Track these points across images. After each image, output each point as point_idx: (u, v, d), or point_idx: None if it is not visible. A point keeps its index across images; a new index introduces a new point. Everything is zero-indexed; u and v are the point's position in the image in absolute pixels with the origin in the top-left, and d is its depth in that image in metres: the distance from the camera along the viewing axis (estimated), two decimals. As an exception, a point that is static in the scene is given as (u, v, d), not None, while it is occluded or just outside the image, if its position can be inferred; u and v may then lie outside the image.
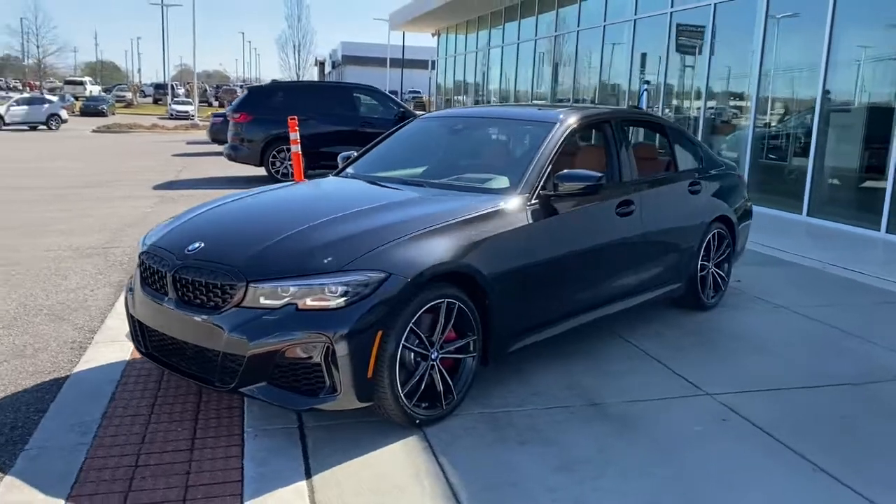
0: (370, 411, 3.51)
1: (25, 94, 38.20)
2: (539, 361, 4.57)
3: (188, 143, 26.04)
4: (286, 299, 3.29)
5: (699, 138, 13.00)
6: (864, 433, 3.76)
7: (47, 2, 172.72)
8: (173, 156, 20.41)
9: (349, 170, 5.14)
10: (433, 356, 3.62)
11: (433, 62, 34.07)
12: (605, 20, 16.89)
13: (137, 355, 4.40)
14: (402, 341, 3.42)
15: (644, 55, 15.32)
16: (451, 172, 4.73)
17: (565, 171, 4.32)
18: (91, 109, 46.35)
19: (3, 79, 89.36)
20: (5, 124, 31.96)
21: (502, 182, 4.35)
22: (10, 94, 39.91)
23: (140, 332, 3.88)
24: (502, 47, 24.23)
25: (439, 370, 3.66)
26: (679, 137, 5.80)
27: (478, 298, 3.79)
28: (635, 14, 15.39)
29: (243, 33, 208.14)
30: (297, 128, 9.39)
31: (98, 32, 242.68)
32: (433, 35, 32.84)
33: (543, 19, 20.64)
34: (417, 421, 3.58)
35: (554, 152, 4.45)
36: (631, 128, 6.16)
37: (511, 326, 4.02)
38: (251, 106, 13.55)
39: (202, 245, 3.62)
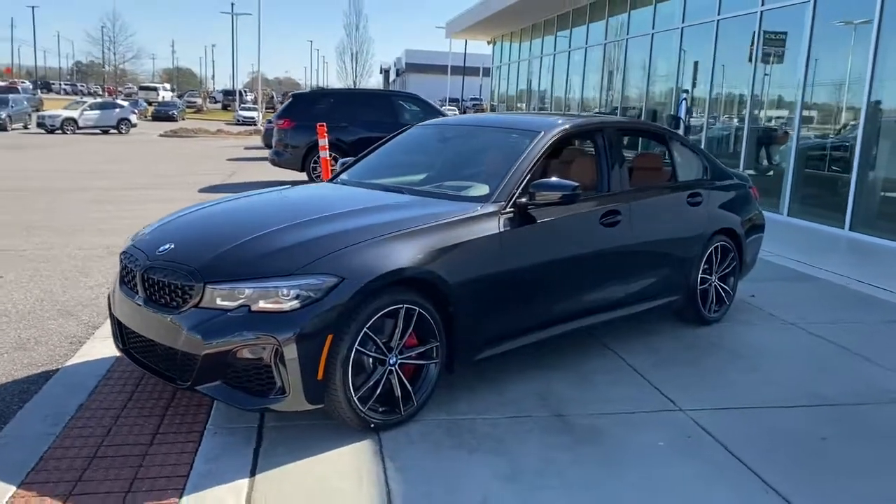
0: (329, 413, 3.56)
1: (98, 100, 39.85)
2: (519, 370, 4.56)
3: (246, 148, 26.72)
4: (241, 301, 3.38)
5: (743, 148, 12.69)
6: (839, 456, 3.62)
7: (126, 11, 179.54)
8: (228, 160, 20.99)
9: (344, 175, 5.23)
10: (391, 361, 3.66)
11: (486, 69, 34.11)
12: (653, 28, 16.64)
13: (126, 352, 4.56)
14: (356, 345, 3.47)
15: (696, 63, 15.02)
16: (439, 179, 4.77)
17: (540, 180, 4.30)
18: (162, 114, 47.98)
19: (85, 84, 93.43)
20: (79, 128, 33.35)
21: (481, 190, 4.36)
22: (84, 99, 41.72)
23: (119, 329, 4.02)
24: (554, 55, 24.11)
25: (398, 375, 3.69)
26: (680, 148, 5.69)
27: (441, 305, 3.81)
28: (683, 22, 15.12)
29: (311, 41, 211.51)
30: (325, 134, 9.57)
31: (176, 41, 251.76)
32: (488, 43, 32.91)
33: (594, 28, 20.46)
34: (372, 425, 3.61)
35: (534, 162, 4.44)
36: (628, 137, 6.08)
37: (478, 334, 4.02)
38: (294, 113, 13.84)
39: (172, 246, 3.75)
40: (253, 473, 3.25)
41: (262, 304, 3.35)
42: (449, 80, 60.12)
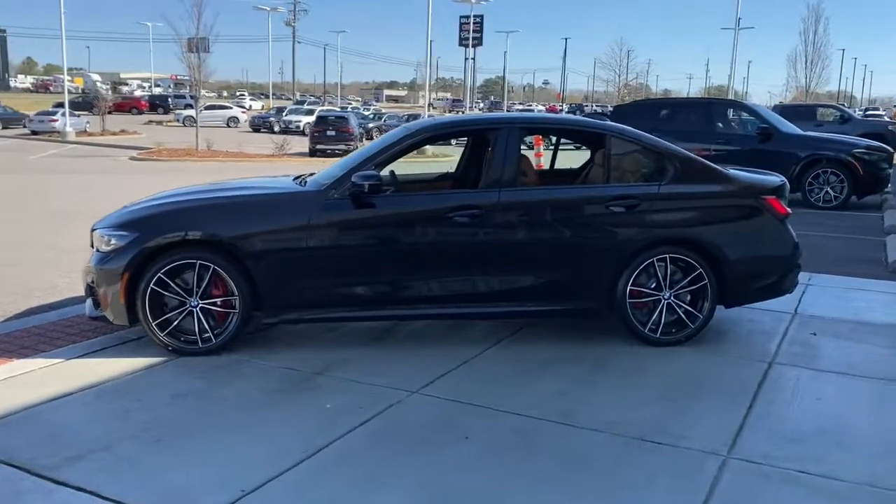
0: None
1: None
2: (377, 345, 5.15)
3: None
4: (98, 242, 4.96)
5: None
6: (437, 453, 3.59)
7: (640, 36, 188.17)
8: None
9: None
10: (192, 303, 4.81)
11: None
12: None
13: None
14: (152, 285, 4.73)
15: None
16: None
17: (362, 171, 4.84)
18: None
19: (602, 106, 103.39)
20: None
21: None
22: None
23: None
24: None
25: (198, 315, 4.81)
26: (626, 148, 5.23)
27: (241, 266, 4.77)
28: None
29: (843, 50, 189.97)
30: (541, 142, 10.23)
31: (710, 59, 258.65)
32: None
33: None
34: (170, 348, 4.82)
35: (382, 156, 5.01)
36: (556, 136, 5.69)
37: (285, 297, 4.84)
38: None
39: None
40: (69, 358, 4.80)
41: (101, 246, 4.89)
42: None
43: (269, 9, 61.86)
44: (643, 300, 5.09)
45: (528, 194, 5.09)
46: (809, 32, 44.31)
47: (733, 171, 5.39)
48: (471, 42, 53.69)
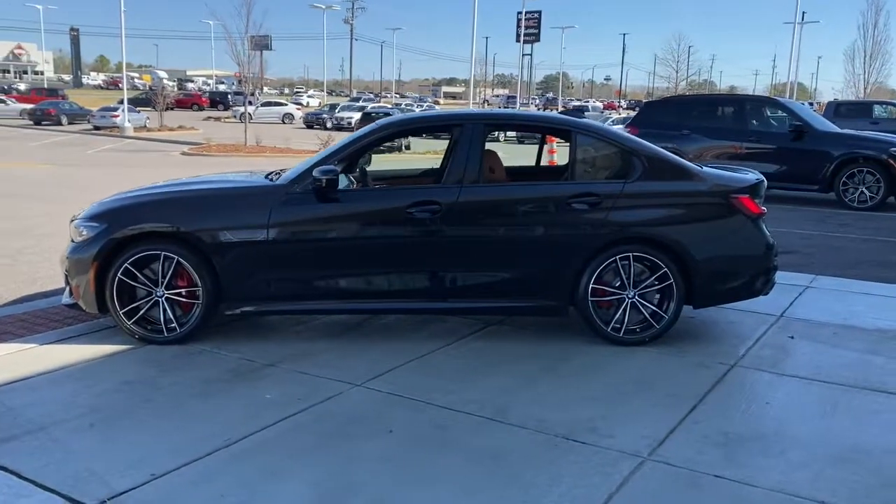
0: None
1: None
2: (341, 340, 5.19)
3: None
4: (73, 233, 5.14)
5: None
6: (366, 444, 3.61)
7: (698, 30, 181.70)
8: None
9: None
10: (158, 293, 4.95)
11: None
12: None
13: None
14: (119, 275, 4.88)
15: None
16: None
17: (321, 166, 4.89)
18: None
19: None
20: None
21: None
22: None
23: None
24: None
25: (163, 305, 4.95)
26: (592, 145, 5.14)
27: (205, 258, 4.88)
28: None
29: None
30: (553, 140, 10.10)
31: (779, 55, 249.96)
32: None
33: None
34: (137, 336, 4.96)
35: (344, 152, 5.06)
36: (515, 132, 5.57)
37: (246, 289, 4.93)
38: (641, 121, 14.01)
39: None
40: (42, 343, 4.99)
41: (75, 237, 5.07)
42: None
43: (324, 7, 62.73)
44: (607, 299, 5.01)
45: (489, 191, 5.07)
46: (869, 26, 42.30)
47: (706, 170, 5.26)
48: (523, 38, 53.60)
